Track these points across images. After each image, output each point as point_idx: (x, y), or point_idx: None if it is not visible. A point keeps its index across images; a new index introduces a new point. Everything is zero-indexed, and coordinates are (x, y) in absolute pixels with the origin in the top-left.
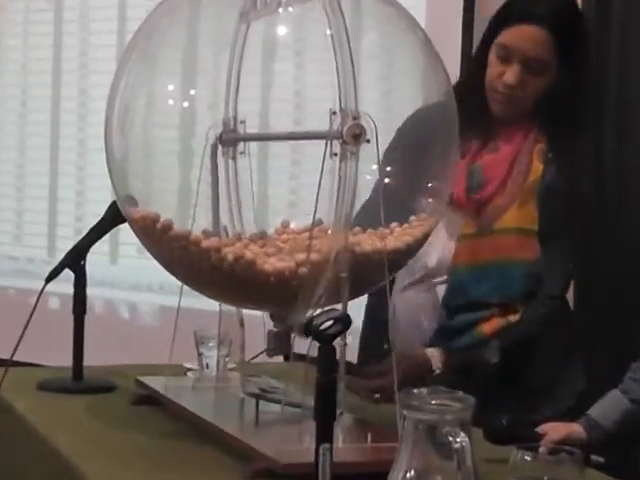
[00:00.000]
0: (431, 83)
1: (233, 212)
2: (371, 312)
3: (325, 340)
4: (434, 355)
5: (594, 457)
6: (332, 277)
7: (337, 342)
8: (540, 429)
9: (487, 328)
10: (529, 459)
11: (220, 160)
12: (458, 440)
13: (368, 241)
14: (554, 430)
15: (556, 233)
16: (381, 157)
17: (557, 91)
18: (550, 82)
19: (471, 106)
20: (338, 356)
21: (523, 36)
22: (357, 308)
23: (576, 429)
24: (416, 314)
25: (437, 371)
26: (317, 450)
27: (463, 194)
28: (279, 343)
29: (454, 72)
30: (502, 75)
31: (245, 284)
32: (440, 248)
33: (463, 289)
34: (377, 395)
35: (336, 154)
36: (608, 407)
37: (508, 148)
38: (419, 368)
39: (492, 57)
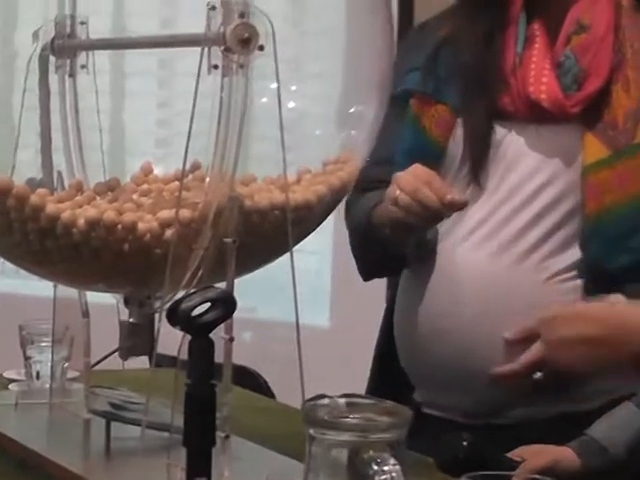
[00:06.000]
0: None
1: (72, 153)
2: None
3: (198, 331)
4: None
5: None
6: (213, 243)
7: (220, 336)
8: (515, 454)
9: None
10: None
11: (53, 77)
12: (386, 469)
13: (264, 193)
14: (535, 456)
15: None
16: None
17: None
18: None
19: None
20: (221, 356)
21: None
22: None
23: (566, 455)
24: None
25: None
26: None
27: (558, 92)
28: (137, 339)
29: None
30: None
31: (88, 254)
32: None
33: (603, 252)
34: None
35: (216, 66)
36: (617, 426)
37: (601, 20)
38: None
39: None
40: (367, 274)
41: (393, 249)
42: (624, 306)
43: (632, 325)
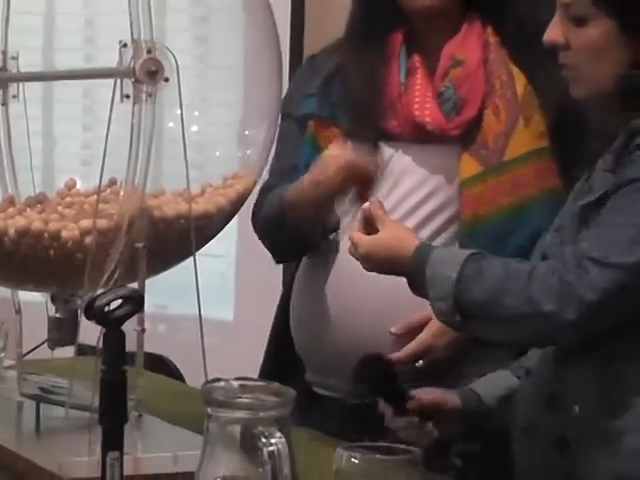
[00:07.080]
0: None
1: (5, 172)
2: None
3: (111, 324)
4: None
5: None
6: (127, 248)
7: (133, 328)
8: (414, 393)
9: None
10: (357, 462)
11: None
12: (273, 442)
13: (171, 204)
14: (428, 393)
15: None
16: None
17: None
18: None
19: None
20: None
21: None
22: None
23: (453, 398)
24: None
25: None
26: (103, 461)
27: (441, 117)
28: (63, 332)
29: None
30: None
31: (19, 259)
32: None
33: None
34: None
35: (128, 96)
36: (492, 382)
37: (472, 56)
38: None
39: None
40: (279, 257)
41: (301, 232)
42: None
43: None
